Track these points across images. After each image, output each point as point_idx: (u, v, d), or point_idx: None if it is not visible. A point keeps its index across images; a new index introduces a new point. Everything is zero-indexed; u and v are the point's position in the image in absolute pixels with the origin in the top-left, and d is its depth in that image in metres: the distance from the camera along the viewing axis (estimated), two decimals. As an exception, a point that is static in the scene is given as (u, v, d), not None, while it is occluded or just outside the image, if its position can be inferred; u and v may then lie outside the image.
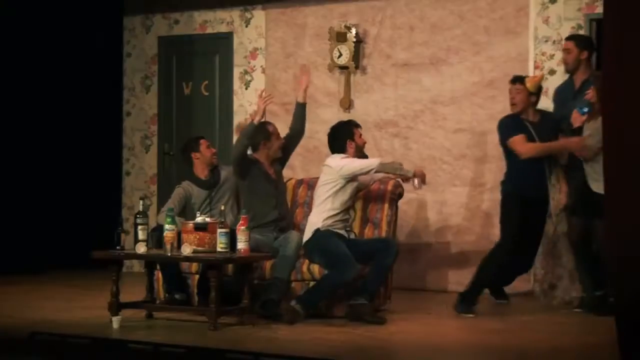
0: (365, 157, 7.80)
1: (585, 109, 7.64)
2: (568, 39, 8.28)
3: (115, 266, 7.28)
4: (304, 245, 7.61)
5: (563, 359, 6.29)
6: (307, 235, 7.59)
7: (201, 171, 8.07)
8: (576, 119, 7.74)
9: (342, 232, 7.62)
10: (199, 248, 7.10)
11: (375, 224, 8.00)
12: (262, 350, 6.10)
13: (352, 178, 7.58)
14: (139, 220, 7.30)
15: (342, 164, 7.55)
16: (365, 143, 7.86)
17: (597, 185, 7.32)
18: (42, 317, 7.44)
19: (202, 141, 8.11)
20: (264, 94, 7.86)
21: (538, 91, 7.90)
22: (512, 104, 7.88)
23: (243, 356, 5.98)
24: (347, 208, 7.69)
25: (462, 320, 7.54)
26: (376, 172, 7.66)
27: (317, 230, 7.51)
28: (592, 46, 8.19)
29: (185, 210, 7.89)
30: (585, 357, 6.28)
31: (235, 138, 10.31)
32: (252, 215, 7.45)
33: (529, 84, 7.82)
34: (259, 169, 7.83)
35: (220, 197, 7.98)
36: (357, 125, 7.84)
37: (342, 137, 7.71)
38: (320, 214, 7.56)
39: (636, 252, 5.20)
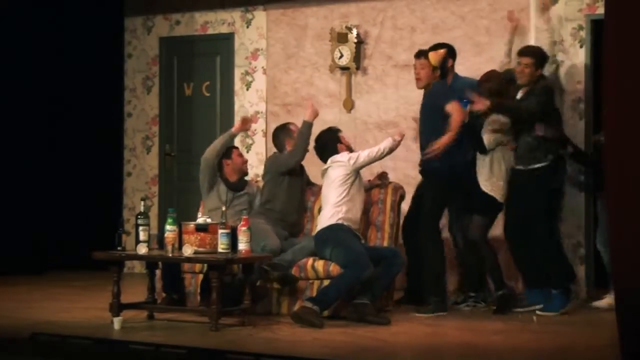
0: None
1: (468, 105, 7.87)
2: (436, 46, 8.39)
3: (117, 267, 7.28)
4: (316, 235, 7.67)
5: (564, 358, 6.29)
6: (322, 226, 7.62)
7: (230, 176, 8.19)
8: (456, 109, 7.74)
9: (356, 231, 7.67)
10: (200, 249, 7.11)
11: (378, 227, 8.01)
12: (263, 351, 6.10)
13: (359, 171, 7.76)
14: (140, 221, 7.30)
15: (356, 154, 7.72)
16: (349, 144, 8.04)
17: (485, 185, 7.93)
18: (43, 317, 7.45)
19: (234, 150, 8.36)
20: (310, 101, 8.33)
21: (442, 65, 7.96)
22: (417, 79, 8.23)
23: (244, 357, 5.99)
24: (360, 209, 7.76)
25: (463, 321, 7.55)
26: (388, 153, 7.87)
27: (335, 223, 7.55)
28: (455, 55, 8.26)
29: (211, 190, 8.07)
30: (586, 357, 6.28)
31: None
32: (278, 209, 7.93)
33: (432, 59, 7.96)
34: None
35: (237, 203, 8.03)
36: (338, 130, 8.06)
37: (331, 144, 7.89)
38: (336, 207, 7.60)
39: (637, 252, 5.20)
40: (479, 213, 8.02)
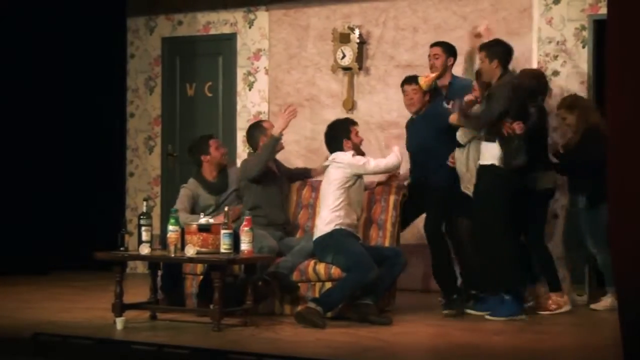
0: (362, 154, 7.82)
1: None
2: (435, 45, 8.44)
3: (119, 267, 7.28)
4: (315, 241, 7.60)
5: (566, 358, 6.29)
6: (320, 232, 7.57)
7: (209, 173, 8.06)
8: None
9: (355, 233, 7.66)
10: (203, 249, 7.11)
11: (380, 225, 8.00)
12: (265, 351, 6.10)
13: (361, 175, 7.68)
14: (142, 222, 7.31)
15: (361, 161, 7.61)
16: (361, 141, 7.89)
17: (462, 184, 7.88)
18: (45, 317, 7.45)
19: (211, 142, 8.07)
20: (289, 108, 7.95)
21: (432, 89, 8.08)
22: (410, 105, 8.13)
23: (246, 357, 5.99)
24: (358, 208, 7.72)
25: (465, 321, 7.55)
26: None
27: (334, 229, 7.49)
28: (456, 54, 8.45)
29: (195, 211, 7.89)
30: (588, 357, 6.28)
31: (239, 138, 10.36)
32: (263, 214, 7.77)
33: (422, 83, 8.00)
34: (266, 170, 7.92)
35: (227, 204, 7.85)
36: (354, 123, 7.89)
37: (339, 136, 7.75)
38: (334, 212, 7.54)
39: (638, 252, 5.19)
40: (462, 214, 7.98)
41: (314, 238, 7.63)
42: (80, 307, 8.09)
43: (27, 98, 10.49)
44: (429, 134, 8.00)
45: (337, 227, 7.51)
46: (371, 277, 7.30)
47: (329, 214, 7.55)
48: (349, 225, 7.57)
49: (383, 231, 7.96)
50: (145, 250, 7.24)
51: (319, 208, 7.78)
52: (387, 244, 7.92)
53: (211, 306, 7.02)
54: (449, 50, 8.36)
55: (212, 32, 10.72)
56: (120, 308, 7.18)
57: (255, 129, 8.14)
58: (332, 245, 7.48)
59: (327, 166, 7.74)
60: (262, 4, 10.40)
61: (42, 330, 6.73)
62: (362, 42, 9.83)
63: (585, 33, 8.94)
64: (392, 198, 8.05)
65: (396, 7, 9.77)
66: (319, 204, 8.02)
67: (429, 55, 8.41)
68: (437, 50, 8.35)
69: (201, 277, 7.74)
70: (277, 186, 8.04)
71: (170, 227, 7.15)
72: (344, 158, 7.64)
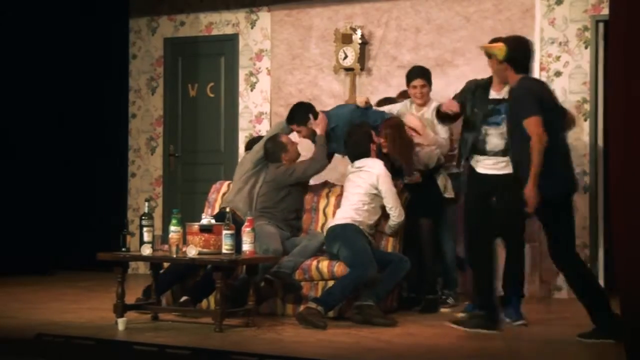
0: (386, 156, 7.89)
1: None
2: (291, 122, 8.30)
3: (121, 268, 7.28)
4: (329, 229, 7.68)
5: (568, 359, 6.30)
6: (336, 221, 7.65)
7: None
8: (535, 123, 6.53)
9: (367, 234, 7.70)
10: (204, 250, 7.10)
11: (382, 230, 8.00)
12: (267, 352, 6.10)
13: None
14: (144, 222, 7.30)
15: (385, 189, 7.67)
16: (380, 141, 7.92)
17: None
18: (47, 318, 7.45)
19: (292, 142, 8.28)
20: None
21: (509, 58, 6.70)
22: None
23: (248, 358, 5.99)
24: (378, 218, 7.80)
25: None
26: None
27: (349, 223, 7.58)
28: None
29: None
30: (590, 357, 6.27)
31: (241, 138, 10.37)
32: (277, 212, 7.93)
33: (497, 52, 6.73)
34: None
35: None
36: (370, 126, 7.97)
37: (364, 143, 7.83)
38: (355, 211, 7.64)
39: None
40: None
41: (329, 225, 7.70)
42: (83, 308, 8.09)
43: (30, 98, 10.49)
44: (515, 123, 6.65)
45: (355, 223, 7.60)
46: (370, 274, 7.34)
47: (349, 211, 7.67)
48: (365, 226, 7.64)
49: (386, 235, 7.95)
50: (146, 250, 7.24)
51: (342, 203, 7.85)
52: (389, 249, 7.91)
53: (210, 298, 7.00)
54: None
55: (215, 32, 10.72)
56: (121, 309, 7.18)
57: (275, 146, 8.12)
58: (342, 236, 7.55)
59: (359, 168, 7.79)
60: (264, 4, 10.40)
61: (44, 331, 6.73)
62: (365, 43, 9.84)
63: (587, 34, 8.94)
64: (394, 200, 8.04)
65: (398, 7, 9.77)
66: (322, 206, 8.15)
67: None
68: (300, 128, 8.22)
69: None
70: (301, 189, 8.17)
71: (172, 228, 7.15)
72: (377, 170, 7.71)
